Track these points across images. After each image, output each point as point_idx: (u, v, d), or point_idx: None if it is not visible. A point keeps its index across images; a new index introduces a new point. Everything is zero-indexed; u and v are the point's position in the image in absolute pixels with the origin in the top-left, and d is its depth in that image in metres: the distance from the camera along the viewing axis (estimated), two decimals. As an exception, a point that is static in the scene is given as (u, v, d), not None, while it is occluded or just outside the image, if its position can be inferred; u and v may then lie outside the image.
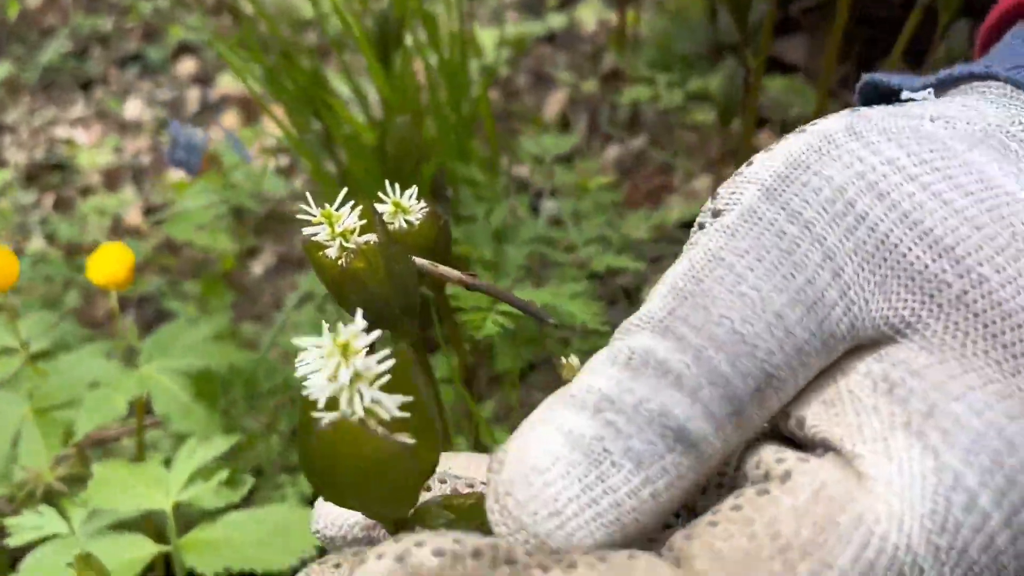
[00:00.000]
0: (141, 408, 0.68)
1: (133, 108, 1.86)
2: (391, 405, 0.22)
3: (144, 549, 0.53)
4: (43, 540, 0.61)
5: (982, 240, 0.23)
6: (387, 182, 0.39)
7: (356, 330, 0.22)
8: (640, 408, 0.22)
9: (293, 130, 0.78)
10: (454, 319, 0.51)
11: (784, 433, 0.25)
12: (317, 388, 0.21)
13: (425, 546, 0.20)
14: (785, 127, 0.97)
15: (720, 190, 0.27)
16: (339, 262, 0.32)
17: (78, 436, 0.62)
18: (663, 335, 0.23)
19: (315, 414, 0.21)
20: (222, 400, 0.67)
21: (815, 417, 0.23)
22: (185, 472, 0.56)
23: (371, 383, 0.22)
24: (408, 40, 0.75)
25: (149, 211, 1.59)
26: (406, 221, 0.38)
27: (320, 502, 0.30)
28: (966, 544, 0.20)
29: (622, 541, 0.22)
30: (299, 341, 0.22)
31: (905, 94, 0.31)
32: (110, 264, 0.74)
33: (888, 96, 0.33)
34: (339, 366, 0.21)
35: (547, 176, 0.81)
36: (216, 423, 0.63)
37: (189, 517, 0.59)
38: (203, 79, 1.92)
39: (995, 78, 0.29)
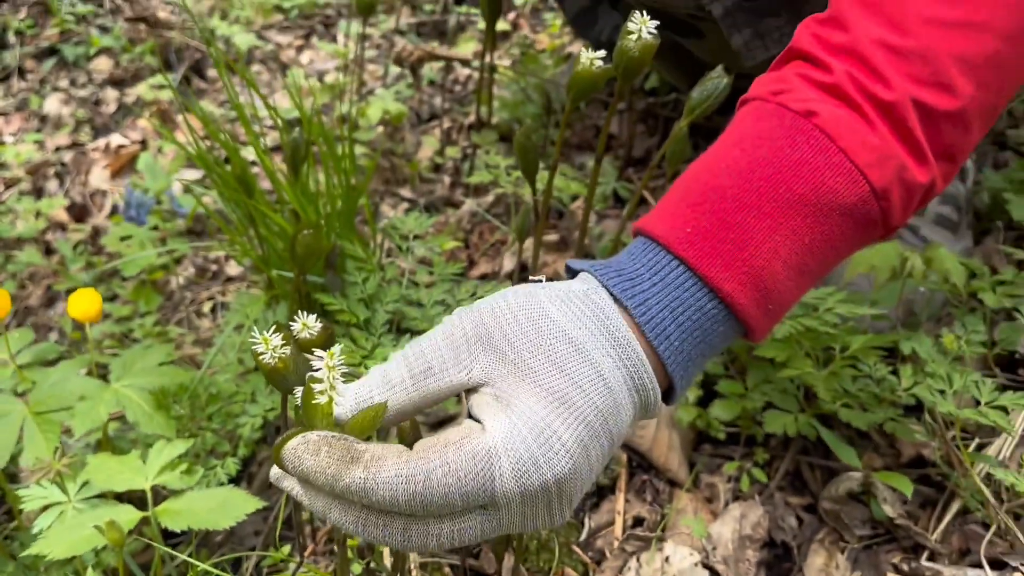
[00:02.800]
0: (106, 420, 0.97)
1: (53, 104, 2.03)
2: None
3: (133, 514, 0.82)
4: (47, 507, 0.89)
5: (525, 339, 0.52)
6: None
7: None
8: (388, 374, 0.53)
9: (225, 211, 1.05)
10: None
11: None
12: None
13: (315, 433, 0.49)
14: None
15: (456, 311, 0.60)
16: (271, 364, 0.62)
17: (76, 436, 0.90)
18: (403, 354, 0.54)
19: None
20: (173, 409, 0.97)
21: (475, 409, 0.52)
22: (157, 464, 0.86)
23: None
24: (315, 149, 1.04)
25: (72, 206, 1.80)
26: (309, 333, 0.69)
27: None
28: (517, 447, 0.48)
29: (395, 423, 0.55)
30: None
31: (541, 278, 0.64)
32: (85, 304, 1.01)
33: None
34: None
35: (408, 247, 1.11)
36: (172, 427, 0.92)
37: (156, 494, 0.88)
38: (119, 80, 2.11)
39: (586, 271, 0.62)
